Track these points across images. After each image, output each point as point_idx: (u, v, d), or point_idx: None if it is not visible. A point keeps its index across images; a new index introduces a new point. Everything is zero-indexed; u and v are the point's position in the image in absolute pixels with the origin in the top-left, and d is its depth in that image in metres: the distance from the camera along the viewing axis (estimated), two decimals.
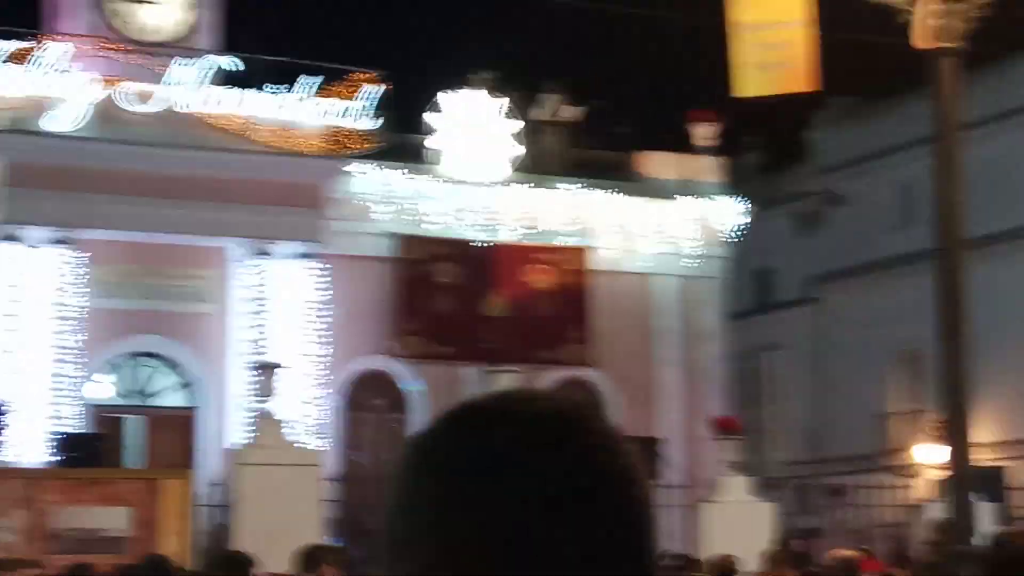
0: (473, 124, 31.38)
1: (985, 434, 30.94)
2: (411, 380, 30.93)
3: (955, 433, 9.47)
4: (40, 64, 27.31)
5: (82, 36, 28.45)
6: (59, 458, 23.88)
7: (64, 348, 27.39)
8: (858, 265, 42.02)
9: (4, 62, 27.11)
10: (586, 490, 1.41)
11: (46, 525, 20.59)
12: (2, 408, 24.60)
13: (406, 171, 30.79)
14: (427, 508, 1.44)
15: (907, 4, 9.40)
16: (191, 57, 28.81)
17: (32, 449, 25.42)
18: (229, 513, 22.48)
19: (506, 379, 28.95)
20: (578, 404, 1.51)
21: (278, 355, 27.20)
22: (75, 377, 27.60)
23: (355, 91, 29.64)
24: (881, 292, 40.50)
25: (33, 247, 27.42)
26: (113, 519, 21.02)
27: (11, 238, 27.27)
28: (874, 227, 41.87)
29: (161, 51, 28.89)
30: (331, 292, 29.62)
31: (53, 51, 27.46)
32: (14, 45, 27.28)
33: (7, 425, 24.48)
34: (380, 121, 29.82)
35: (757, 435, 38.99)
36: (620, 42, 55.13)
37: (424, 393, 30.60)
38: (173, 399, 29.79)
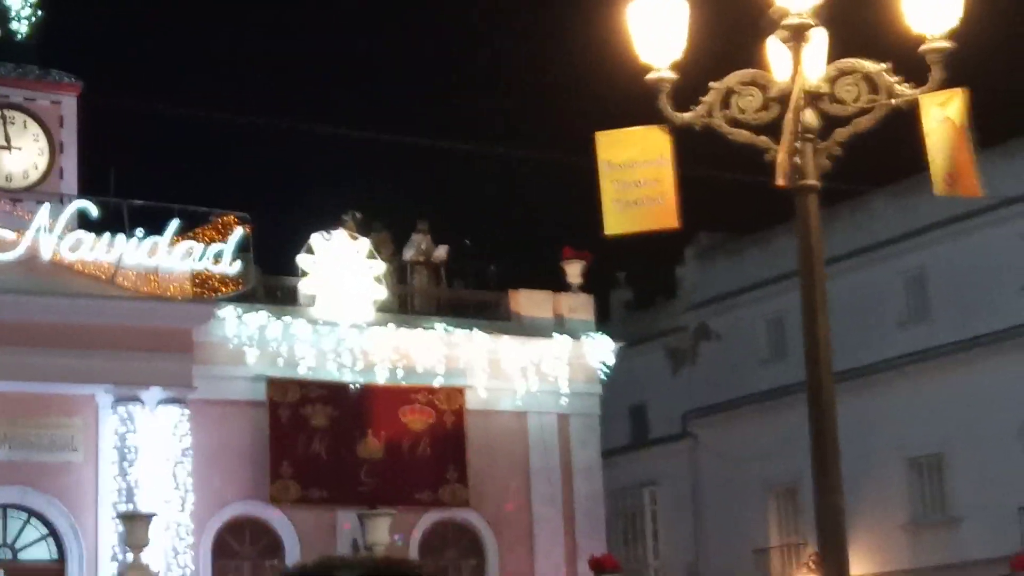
0: (343, 265, 30.84)
1: (865, 565, 31.77)
2: (286, 525, 29.98)
3: (833, 565, 8.84)
4: None
5: None
6: None
7: None
8: (731, 400, 41.94)
9: None
10: None
11: None
12: None
13: (277, 314, 30.19)
14: None
15: (770, 144, 9.07)
16: (54, 202, 28.37)
17: None
18: None
19: (382, 522, 27.47)
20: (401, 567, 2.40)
21: (149, 504, 26.83)
22: None
23: (221, 234, 29.13)
24: (755, 426, 40.40)
25: None
26: None
27: None
28: (746, 361, 41.95)
29: (25, 196, 28.68)
30: (203, 437, 29.00)
31: None
32: None
33: None
34: (246, 264, 29.34)
35: (637, 573, 39.10)
36: (492, 182, 54.16)
37: (299, 538, 29.67)
38: (37, 553, 28.50)
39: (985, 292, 36.51)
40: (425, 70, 65.14)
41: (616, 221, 8.88)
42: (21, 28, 30.30)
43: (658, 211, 8.94)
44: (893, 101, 9.18)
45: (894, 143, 9.41)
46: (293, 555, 29.59)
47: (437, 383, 31.10)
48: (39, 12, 30.74)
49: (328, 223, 31.19)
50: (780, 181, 8.53)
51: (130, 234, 28.43)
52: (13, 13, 30.24)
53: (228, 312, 29.36)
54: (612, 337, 33.56)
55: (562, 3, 58.63)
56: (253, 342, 29.81)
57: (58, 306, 27.75)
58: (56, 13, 31.87)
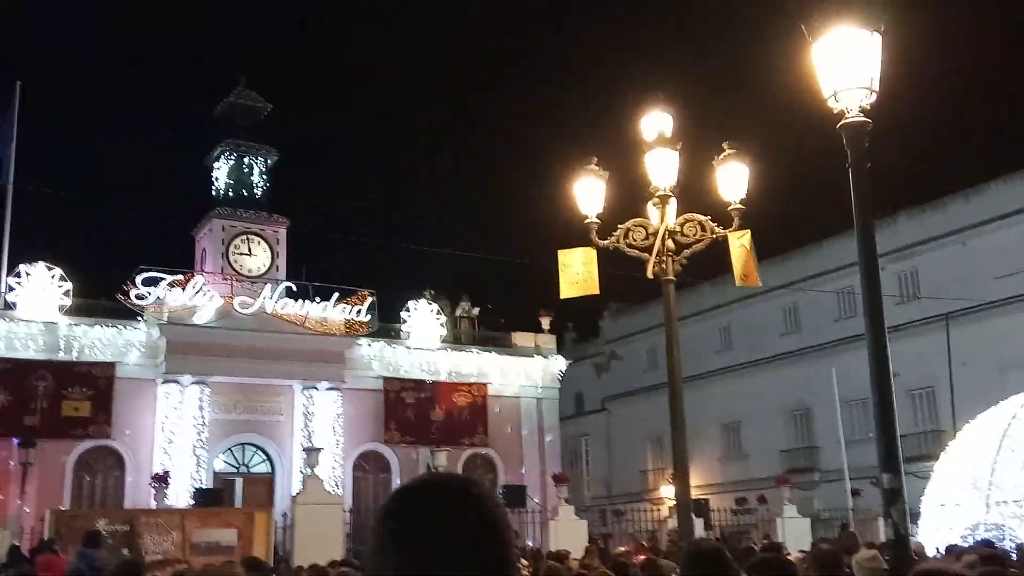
0: (423, 317, 31.64)
1: (697, 480, 28.62)
2: (393, 457, 30.80)
3: (680, 479, 8.98)
4: (192, 288, 28.01)
5: (214, 273, 29.31)
6: (197, 501, 24.26)
7: (201, 441, 27.59)
8: (628, 391, 44.36)
9: (171, 287, 27.48)
10: (485, 525, 1.44)
11: (189, 540, 20.73)
12: (167, 476, 25.47)
13: (390, 343, 30.91)
14: (389, 553, 1.44)
15: (648, 256, 9.29)
16: (273, 283, 29.44)
17: (183, 497, 25.73)
18: (292, 533, 22.74)
19: (442, 455, 28.99)
20: (473, 479, 1.54)
21: (319, 442, 27.85)
22: (207, 457, 27.88)
23: (360, 300, 29.73)
24: (640, 404, 42.16)
25: (183, 387, 27.65)
26: (227, 536, 21.11)
27: (170, 381, 27.45)
28: (635, 371, 44.24)
29: (257, 280, 29.79)
30: (349, 408, 29.70)
31: (199, 281, 28.36)
32: (177, 278, 27.95)
33: (170, 484, 25.34)
34: (373, 316, 29.98)
35: (577, 483, 39.44)
36: (503, 277, 60.85)
37: (399, 463, 30.66)
38: (261, 468, 29.51)
39: (760, 336, 39.16)
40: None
41: (567, 290, 9.24)
42: (257, 189, 32.26)
43: (588, 285, 9.24)
44: (714, 236, 9.26)
45: (720, 254, 9.23)
46: (395, 471, 30.36)
47: (472, 380, 31.92)
48: (267, 178, 32.45)
49: (416, 294, 32.05)
50: (650, 275, 9.20)
51: (312, 300, 29.31)
52: (255, 181, 32.28)
53: (363, 342, 30.21)
54: (565, 357, 34.50)
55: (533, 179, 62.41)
56: (376, 358, 30.66)
57: (275, 338, 28.30)
58: (281, 172, 33.10)
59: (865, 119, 5.67)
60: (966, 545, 12.35)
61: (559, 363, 33.93)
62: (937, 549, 12.69)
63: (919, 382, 31.66)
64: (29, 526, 23.55)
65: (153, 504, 24.47)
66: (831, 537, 21.61)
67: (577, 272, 9.39)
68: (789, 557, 9.35)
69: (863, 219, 5.60)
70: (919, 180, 41.88)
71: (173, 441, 27.45)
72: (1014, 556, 10.82)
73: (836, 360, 30.98)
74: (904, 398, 29.64)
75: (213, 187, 32.27)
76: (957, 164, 47.41)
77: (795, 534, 23.55)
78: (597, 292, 9.54)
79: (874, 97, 5.65)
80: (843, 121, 5.71)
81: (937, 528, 15.20)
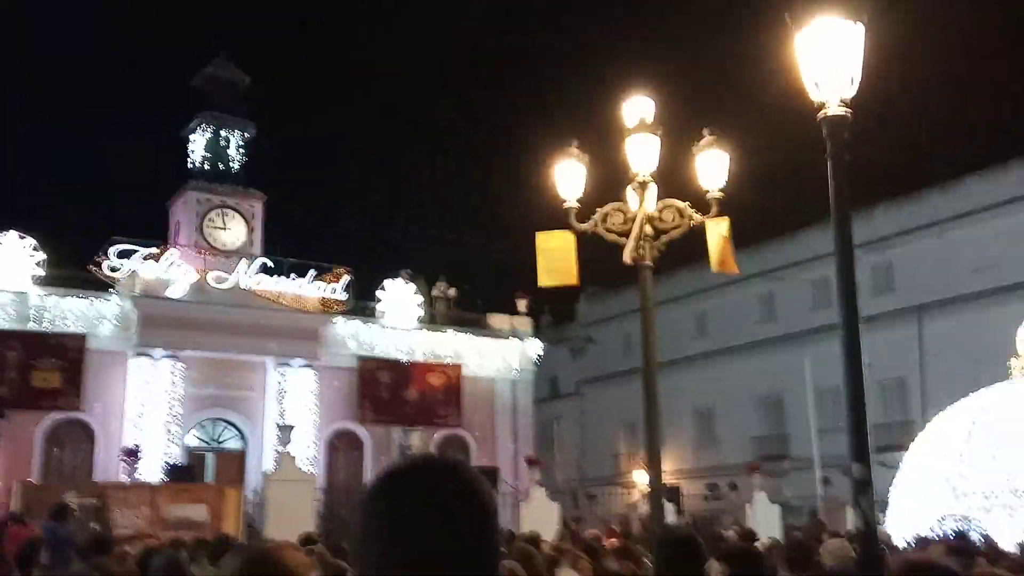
0: (400, 297, 31.56)
1: (669, 465, 29.57)
2: (367, 436, 30.66)
3: (653, 465, 8.89)
4: (166, 261, 27.82)
5: (188, 247, 29.01)
6: (168, 477, 23.86)
7: (173, 416, 27.44)
8: (603, 375, 44.75)
9: (144, 259, 27.37)
10: (473, 508, 1.44)
11: (160, 515, 20.71)
12: (137, 450, 25.47)
13: (365, 321, 30.78)
14: (376, 536, 1.44)
15: (625, 241, 9.23)
16: (248, 259, 29.10)
17: (153, 472, 25.33)
18: (263, 510, 22.53)
19: (416, 434, 29.98)
20: (460, 462, 1.53)
21: (292, 419, 27.63)
22: (178, 432, 27.69)
23: (336, 277, 29.62)
24: (614, 389, 42.53)
25: (155, 360, 27.46)
26: (198, 512, 21.07)
27: (142, 355, 27.42)
28: (610, 355, 44.41)
29: (232, 254, 29.45)
30: (323, 386, 29.66)
31: (173, 254, 28.09)
32: (151, 251, 27.66)
33: (141, 459, 25.30)
34: (348, 294, 29.83)
35: (550, 466, 39.34)
36: (482, 258, 59.67)
37: (372, 442, 30.68)
38: (233, 444, 29.39)
39: (735, 323, 39.41)
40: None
41: (545, 278, 9.21)
42: (234, 163, 31.74)
43: (566, 274, 9.23)
44: (691, 222, 9.24)
45: (697, 240, 9.28)
46: (368, 451, 30.32)
47: (447, 361, 31.69)
48: (244, 152, 31.97)
49: (393, 273, 31.85)
50: (627, 260, 9.18)
51: (288, 276, 29.15)
52: (232, 155, 31.81)
53: (338, 320, 29.97)
54: (541, 340, 34.51)
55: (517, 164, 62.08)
56: (351, 336, 30.46)
57: (249, 314, 28.11)
58: (256, 147, 32.54)
59: (845, 112, 5.64)
60: (934, 536, 12.59)
61: (535, 346, 33.99)
62: (904, 539, 12.92)
63: (891, 373, 31.93)
64: None
65: (124, 478, 24.38)
66: (800, 525, 21.83)
67: (556, 259, 9.33)
68: (758, 543, 9.55)
69: (841, 211, 5.59)
70: (897, 172, 42.25)
71: (144, 415, 27.36)
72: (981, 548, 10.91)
73: (810, 349, 31.17)
74: (875, 388, 30.35)
75: (189, 159, 31.94)
76: (935, 157, 47.11)
77: (765, 521, 23.74)
78: (575, 283, 9.55)
79: (855, 89, 5.68)
80: (823, 114, 5.68)
81: (905, 518, 15.35)
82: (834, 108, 5.60)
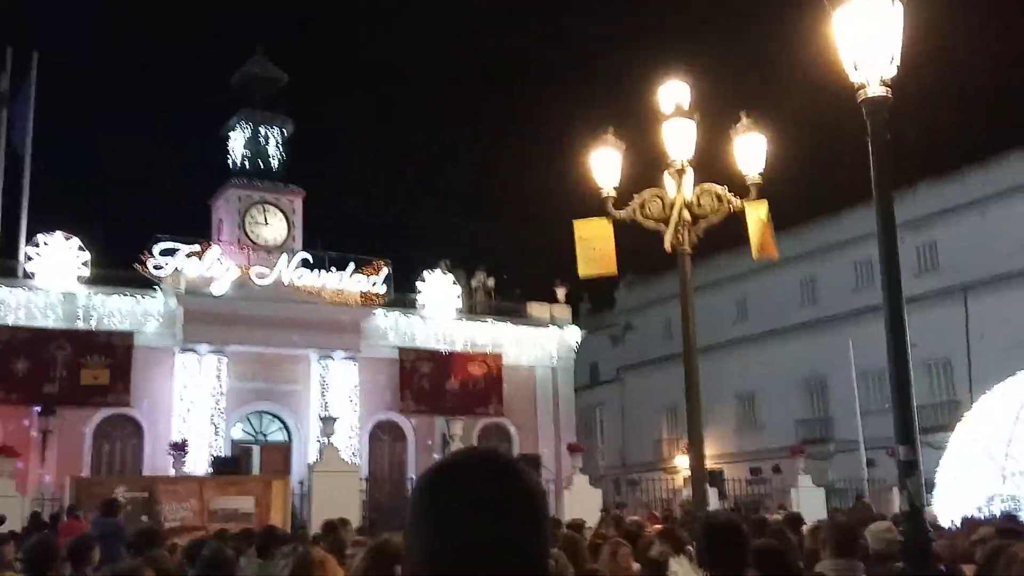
0: (439, 288, 31.64)
1: (711, 450, 29.57)
2: (409, 426, 30.87)
3: (695, 450, 8.98)
4: (209, 258, 28.05)
5: (230, 243, 29.42)
6: (215, 469, 24.22)
7: (218, 410, 27.87)
8: (643, 361, 44.43)
9: (187, 257, 27.59)
10: (523, 504, 1.43)
11: (207, 507, 20.79)
12: (184, 444, 25.72)
13: (405, 313, 30.94)
14: (425, 528, 1.42)
15: (665, 228, 9.19)
16: (290, 254, 29.33)
17: (200, 466, 25.81)
18: (309, 500, 22.71)
19: (458, 424, 29.61)
20: (509, 457, 1.51)
21: (335, 411, 27.80)
22: (224, 425, 28.05)
23: (376, 270, 29.74)
24: (655, 374, 42.07)
25: (201, 356, 27.89)
26: (245, 504, 21.15)
27: (188, 351, 27.78)
28: (650, 341, 44.10)
29: (273, 250, 29.71)
30: (365, 377, 29.83)
31: (215, 251, 28.37)
32: (194, 248, 27.90)
33: (188, 452, 25.50)
34: (389, 287, 30.03)
35: (592, 453, 38.86)
36: (521, 247, 60.23)
37: (414, 432, 30.96)
38: (278, 437, 29.77)
39: (776, 307, 39.16)
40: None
41: (585, 268, 9.18)
42: (273, 159, 32.06)
43: (605, 263, 9.18)
44: (730, 207, 9.22)
45: (737, 224, 9.25)
46: (411, 441, 30.74)
47: (488, 351, 31.94)
48: (283, 149, 32.25)
49: (432, 265, 31.94)
50: (668, 247, 9.20)
51: (328, 270, 29.36)
52: (271, 152, 32.08)
53: (379, 312, 30.20)
54: (580, 328, 34.54)
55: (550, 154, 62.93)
56: (392, 328, 30.67)
57: (291, 308, 28.41)
58: (295, 143, 32.75)
59: (886, 93, 5.56)
60: (981, 517, 12.36)
61: (574, 333, 34.03)
62: (952, 521, 12.78)
63: (936, 353, 31.65)
64: (51, 493, 23.76)
65: (171, 472, 24.63)
66: (845, 508, 21.63)
67: (594, 248, 9.30)
68: (803, 528, 9.47)
69: (882, 193, 5.51)
70: (938, 150, 40.59)
71: (191, 410, 27.70)
72: None
73: (852, 331, 30.83)
74: (921, 369, 29.91)
75: (229, 157, 32.22)
76: (977, 134, 46.15)
77: (810, 504, 23.48)
78: (615, 272, 9.49)
79: (895, 69, 5.59)
80: (863, 96, 5.61)
81: (952, 499, 15.16)
82: (874, 89, 5.52)
